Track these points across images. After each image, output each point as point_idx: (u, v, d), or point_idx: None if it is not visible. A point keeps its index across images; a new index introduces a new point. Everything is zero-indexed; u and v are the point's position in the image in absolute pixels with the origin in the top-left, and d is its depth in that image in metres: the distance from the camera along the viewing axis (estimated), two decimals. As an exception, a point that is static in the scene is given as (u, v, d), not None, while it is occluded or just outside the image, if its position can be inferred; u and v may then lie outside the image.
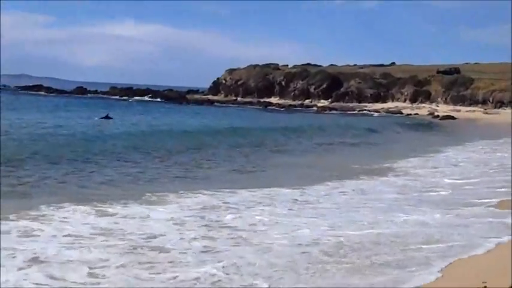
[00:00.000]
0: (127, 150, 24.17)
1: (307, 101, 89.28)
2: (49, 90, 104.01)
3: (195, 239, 10.77)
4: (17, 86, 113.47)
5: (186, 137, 32.14)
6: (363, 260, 9.78)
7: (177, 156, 23.54)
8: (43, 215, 12.05)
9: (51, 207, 12.75)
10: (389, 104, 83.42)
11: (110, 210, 12.91)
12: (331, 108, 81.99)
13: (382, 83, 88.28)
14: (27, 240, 10.24)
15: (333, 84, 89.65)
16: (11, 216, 11.73)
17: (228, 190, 16.14)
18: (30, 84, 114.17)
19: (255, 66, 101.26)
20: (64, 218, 11.95)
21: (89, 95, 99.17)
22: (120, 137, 29.59)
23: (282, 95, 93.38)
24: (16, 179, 16.25)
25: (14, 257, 9.16)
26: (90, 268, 8.84)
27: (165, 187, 16.55)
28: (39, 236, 10.55)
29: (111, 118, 43.49)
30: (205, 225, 11.85)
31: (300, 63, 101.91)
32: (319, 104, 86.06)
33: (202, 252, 10.01)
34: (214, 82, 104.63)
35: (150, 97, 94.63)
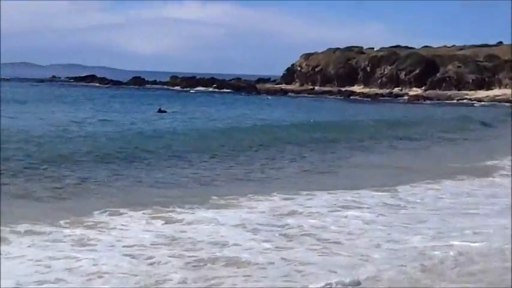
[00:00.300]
0: (184, 148, 24.38)
1: (396, 90, 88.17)
2: (103, 81, 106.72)
3: (273, 249, 10.69)
4: (68, 77, 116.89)
5: (253, 132, 32.23)
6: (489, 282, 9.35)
7: (242, 155, 23.61)
8: (99, 222, 12.23)
9: (107, 213, 12.97)
10: (496, 92, 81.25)
11: (174, 215, 13.00)
12: (425, 98, 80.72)
13: (487, 67, 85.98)
14: (83, 249, 10.38)
15: (427, 69, 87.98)
16: (63, 223, 11.95)
17: (305, 192, 16.11)
18: (83, 75, 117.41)
19: (335, 50, 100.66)
20: (123, 225, 12.09)
21: (147, 85, 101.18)
22: (176, 133, 29.96)
23: (366, 83, 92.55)
24: (61, 181, 16.63)
25: (69, 270, 9.28)
26: (157, 282, 8.92)
27: (233, 189, 16.58)
28: (96, 245, 10.65)
29: (165, 112, 44.18)
30: (284, 234, 11.79)
31: (387, 46, 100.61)
32: (411, 93, 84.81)
33: (284, 265, 9.89)
34: (288, 69, 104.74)
35: (215, 87, 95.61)
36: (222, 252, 10.37)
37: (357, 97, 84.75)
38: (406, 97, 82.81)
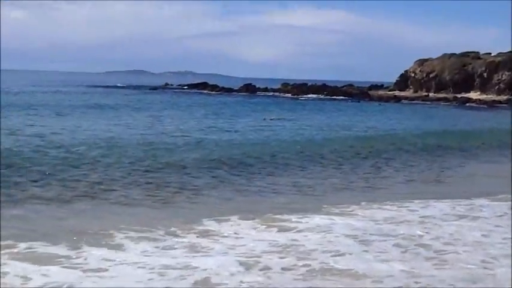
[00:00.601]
0: (290, 156, 24.36)
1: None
2: (214, 88, 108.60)
3: (389, 260, 10.48)
4: (180, 84, 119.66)
5: (362, 139, 32.00)
6: None
7: (348, 162, 23.46)
8: (209, 230, 12.33)
9: (216, 220, 13.09)
10: None
11: (285, 223, 12.97)
12: (548, 104, 77.52)
13: None
14: (197, 256, 10.55)
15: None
16: (174, 230, 12.16)
17: (418, 201, 15.87)
18: (195, 82, 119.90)
19: (450, 55, 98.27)
20: (235, 233, 12.14)
21: (258, 92, 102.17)
22: (282, 141, 30.01)
23: (483, 89, 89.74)
24: (166, 187, 16.98)
25: (183, 279, 9.42)
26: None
27: (343, 197, 16.58)
28: (208, 253, 10.73)
29: (274, 119, 44.48)
30: (398, 244, 11.56)
31: (506, 50, 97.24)
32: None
33: (403, 277, 9.64)
34: (401, 75, 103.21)
35: (326, 94, 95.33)
36: (337, 263, 10.23)
37: (473, 104, 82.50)
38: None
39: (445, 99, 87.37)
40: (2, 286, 8.75)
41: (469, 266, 10.19)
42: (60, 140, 25.53)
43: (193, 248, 11.01)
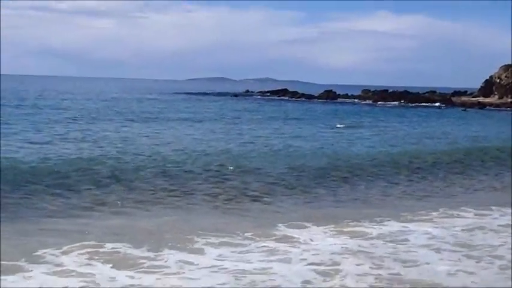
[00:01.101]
0: (372, 165, 24.35)
1: None
2: (295, 94, 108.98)
3: (463, 270, 10.57)
4: (261, 91, 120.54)
5: (439, 148, 31.78)
6: None
7: (426, 172, 23.32)
8: (284, 235, 12.66)
9: (289, 226, 13.47)
10: None
11: (359, 229, 13.29)
12: None
13: None
14: (274, 259, 10.91)
15: None
16: (250, 235, 12.59)
17: (495, 207, 15.84)
18: (275, 89, 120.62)
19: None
20: (310, 239, 12.43)
21: (339, 99, 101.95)
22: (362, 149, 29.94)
23: None
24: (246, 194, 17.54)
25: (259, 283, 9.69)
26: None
27: (420, 204, 16.74)
28: (284, 258, 11.02)
29: (351, 127, 44.60)
30: (466, 255, 11.64)
31: None
32: None
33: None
34: (486, 81, 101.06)
35: (407, 101, 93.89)
36: (410, 272, 10.38)
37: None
38: None
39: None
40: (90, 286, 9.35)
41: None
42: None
43: (272, 252, 11.37)
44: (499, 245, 12.27)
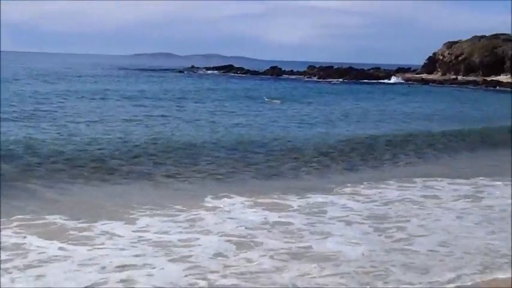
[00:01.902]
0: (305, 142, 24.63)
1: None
2: (241, 70, 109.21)
3: (358, 244, 11.09)
4: (206, 67, 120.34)
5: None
6: None
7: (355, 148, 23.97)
8: (211, 207, 13.40)
9: (216, 198, 14.22)
10: None
11: (282, 202, 14.06)
12: None
13: None
14: (196, 230, 11.43)
15: None
16: (179, 207, 13.06)
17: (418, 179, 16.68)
18: (221, 65, 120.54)
19: (480, 37, 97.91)
20: (233, 211, 13.11)
21: (284, 75, 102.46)
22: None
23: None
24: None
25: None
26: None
27: (345, 178, 17.61)
28: (205, 230, 11.59)
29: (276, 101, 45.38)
30: (375, 227, 12.25)
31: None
32: None
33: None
34: (429, 58, 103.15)
35: (352, 78, 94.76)
36: (319, 245, 10.82)
37: (504, 87, 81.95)
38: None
39: (474, 83, 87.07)
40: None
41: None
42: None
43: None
44: (410, 217, 12.99)
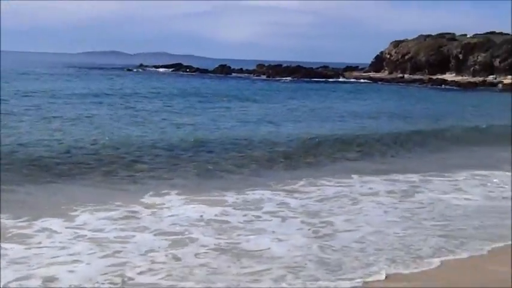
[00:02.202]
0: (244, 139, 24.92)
1: (490, 78, 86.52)
2: (190, 69, 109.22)
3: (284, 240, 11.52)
4: (155, 65, 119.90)
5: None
6: None
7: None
8: (151, 204, 13.63)
9: (156, 195, 14.48)
10: None
11: (220, 198, 14.40)
12: (520, 86, 78.83)
13: None
14: (133, 227, 11.64)
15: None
16: (119, 203, 13.21)
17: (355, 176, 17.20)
18: (170, 63, 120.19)
19: (426, 37, 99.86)
20: (171, 208, 13.39)
21: (233, 74, 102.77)
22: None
23: (458, 71, 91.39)
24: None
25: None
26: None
27: (286, 175, 17.97)
28: (141, 227, 11.87)
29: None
30: (308, 223, 12.67)
31: (482, 32, 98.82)
32: (506, 81, 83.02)
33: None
34: (377, 57, 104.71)
35: (300, 76, 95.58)
36: (250, 241, 11.06)
37: (449, 86, 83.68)
38: (500, 85, 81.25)
39: (421, 81, 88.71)
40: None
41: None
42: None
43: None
44: (341, 213, 13.43)
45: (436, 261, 10.12)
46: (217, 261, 9.83)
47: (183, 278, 9.08)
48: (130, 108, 36.52)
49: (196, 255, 10.13)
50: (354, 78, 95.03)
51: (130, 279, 9.01)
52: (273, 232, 11.64)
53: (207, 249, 10.43)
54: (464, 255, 10.57)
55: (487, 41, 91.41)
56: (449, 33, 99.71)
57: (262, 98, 50.61)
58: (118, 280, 8.91)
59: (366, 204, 14.22)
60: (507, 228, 12.25)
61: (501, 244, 11.28)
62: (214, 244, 10.74)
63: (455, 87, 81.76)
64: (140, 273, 9.22)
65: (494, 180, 17.68)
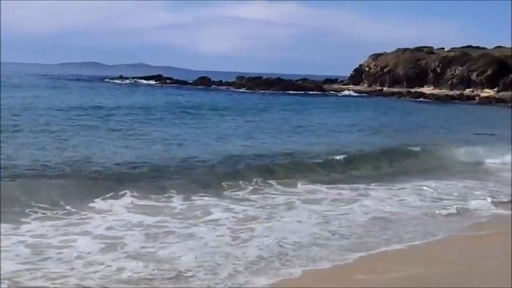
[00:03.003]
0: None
1: (467, 91, 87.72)
2: (170, 80, 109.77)
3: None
4: (135, 77, 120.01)
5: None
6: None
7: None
8: (97, 210, 14.20)
9: (103, 198, 14.99)
10: None
11: (164, 204, 15.05)
12: (497, 100, 79.88)
13: None
14: (75, 232, 12.23)
15: (499, 70, 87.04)
16: (68, 208, 13.87)
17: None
18: (149, 75, 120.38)
19: (405, 50, 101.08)
20: (114, 213, 14.08)
21: (213, 86, 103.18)
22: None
23: (436, 84, 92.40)
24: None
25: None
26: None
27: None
28: (83, 232, 12.57)
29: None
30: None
31: (459, 46, 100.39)
32: (482, 95, 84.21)
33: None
34: (356, 70, 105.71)
35: (275, 89, 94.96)
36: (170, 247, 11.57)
37: (426, 99, 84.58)
38: (477, 99, 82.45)
39: (399, 94, 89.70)
40: None
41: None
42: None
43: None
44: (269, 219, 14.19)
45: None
46: (128, 264, 10.37)
47: (71, 283, 9.49)
48: (96, 119, 36.33)
49: (115, 259, 10.65)
50: (333, 91, 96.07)
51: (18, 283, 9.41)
52: (201, 238, 12.21)
53: (129, 255, 10.92)
54: (327, 265, 10.87)
55: (464, 55, 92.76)
56: (427, 47, 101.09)
57: (245, 111, 50.59)
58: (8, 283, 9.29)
59: (299, 212, 14.90)
60: (380, 238, 12.82)
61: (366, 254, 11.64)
62: (136, 251, 11.25)
63: (429, 100, 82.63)
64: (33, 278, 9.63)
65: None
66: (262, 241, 12.01)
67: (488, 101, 79.89)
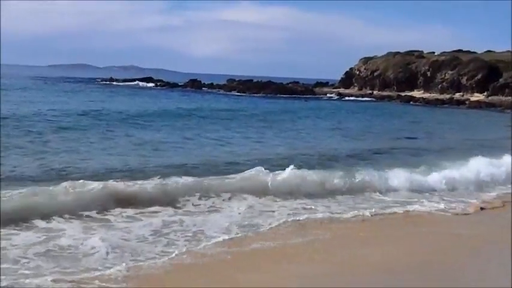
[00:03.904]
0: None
1: (457, 95, 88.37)
2: (160, 82, 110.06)
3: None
4: (125, 79, 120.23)
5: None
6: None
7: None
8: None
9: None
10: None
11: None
12: (487, 104, 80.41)
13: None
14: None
15: (489, 74, 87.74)
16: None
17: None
18: (140, 77, 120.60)
19: (395, 54, 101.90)
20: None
21: (203, 88, 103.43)
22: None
23: (426, 88, 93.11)
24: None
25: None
26: None
27: None
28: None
29: None
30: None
31: (449, 50, 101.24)
32: (472, 99, 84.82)
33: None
34: (346, 73, 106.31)
35: (264, 92, 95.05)
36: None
37: (416, 103, 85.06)
38: (467, 103, 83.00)
39: (389, 97, 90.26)
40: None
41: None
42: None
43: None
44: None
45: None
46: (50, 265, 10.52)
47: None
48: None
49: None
50: (323, 94, 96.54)
51: None
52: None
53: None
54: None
55: (454, 59, 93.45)
56: (418, 51, 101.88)
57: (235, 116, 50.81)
58: None
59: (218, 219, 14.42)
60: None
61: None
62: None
63: (420, 104, 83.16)
64: None
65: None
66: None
67: (478, 105, 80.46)
